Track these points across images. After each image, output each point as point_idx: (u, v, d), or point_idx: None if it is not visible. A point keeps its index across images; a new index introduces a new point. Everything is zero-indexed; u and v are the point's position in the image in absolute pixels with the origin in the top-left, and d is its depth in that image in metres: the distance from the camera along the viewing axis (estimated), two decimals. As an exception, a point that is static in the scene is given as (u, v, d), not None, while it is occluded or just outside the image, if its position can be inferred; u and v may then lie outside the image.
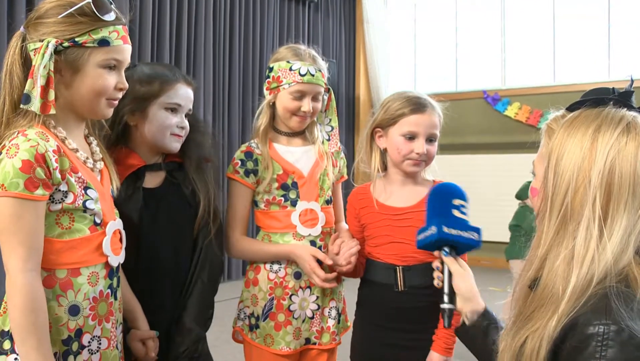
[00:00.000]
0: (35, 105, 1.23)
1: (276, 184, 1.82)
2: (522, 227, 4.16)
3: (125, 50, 1.35)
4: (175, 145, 1.65)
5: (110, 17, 1.31)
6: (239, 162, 1.83)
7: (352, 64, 6.96)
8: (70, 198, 1.27)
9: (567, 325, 0.92)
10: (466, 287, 1.36)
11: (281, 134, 1.89)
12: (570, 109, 1.08)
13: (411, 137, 1.71)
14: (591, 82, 5.65)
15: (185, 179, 1.69)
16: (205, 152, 1.74)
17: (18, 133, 1.24)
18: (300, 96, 1.80)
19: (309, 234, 1.81)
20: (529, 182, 4.20)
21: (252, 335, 1.82)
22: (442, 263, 1.42)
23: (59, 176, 1.24)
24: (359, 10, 6.96)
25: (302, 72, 1.78)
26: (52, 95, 1.24)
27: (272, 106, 1.86)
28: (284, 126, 1.88)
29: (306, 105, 1.79)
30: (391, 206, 1.75)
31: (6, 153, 1.22)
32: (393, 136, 1.72)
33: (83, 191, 1.30)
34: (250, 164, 1.83)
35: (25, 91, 1.24)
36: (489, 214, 4.91)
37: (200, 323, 1.64)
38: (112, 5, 1.34)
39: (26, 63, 1.28)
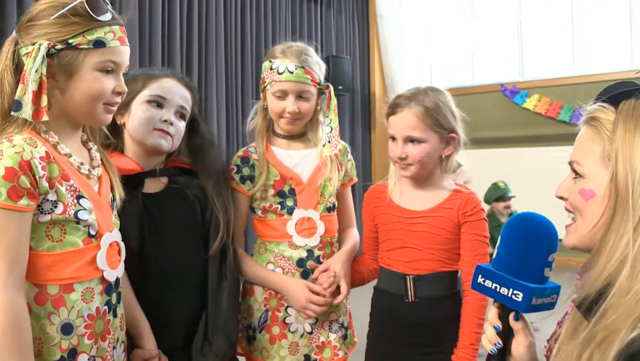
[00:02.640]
0: (26, 112, 1.16)
1: (272, 191, 1.73)
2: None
3: (122, 52, 1.28)
4: (161, 142, 1.55)
5: (105, 17, 1.24)
6: (235, 168, 1.75)
7: (366, 60, 6.85)
8: (60, 208, 1.20)
9: None
10: (528, 359, 1.09)
11: (280, 137, 1.80)
12: (612, 100, 0.98)
13: (394, 139, 1.62)
14: (613, 72, 5.49)
15: (189, 183, 1.60)
16: (222, 168, 1.67)
17: (4, 139, 1.17)
18: (282, 95, 1.70)
19: (306, 244, 1.72)
20: (495, 184, 4.04)
21: (250, 347, 1.75)
22: (500, 315, 1.11)
23: (46, 184, 1.17)
24: (371, 5, 6.85)
25: (280, 70, 1.69)
26: (44, 101, 1.17)
27: (267, 108, 1.78)
28: (281, 128, 1.78)
29: (290, 105, 1.69)
30: (404, 208, 1.65)
31: None
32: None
33: (75, 201, 1.22)
34: (246, 170, 1.74)
35: (16, 97, 1.17)
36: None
37: (233, 330, 1.57)
38: (108, 6, 1.27)
39: (18, 69, 1.22)
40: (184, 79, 1.63)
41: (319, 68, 1.75)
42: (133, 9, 4.19)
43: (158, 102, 1.55)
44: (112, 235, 1.30)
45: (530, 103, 6.12)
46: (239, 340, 1.75)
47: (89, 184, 1.28)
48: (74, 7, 1.21)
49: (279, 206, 1.73)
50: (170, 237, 1.54)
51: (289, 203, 1.73)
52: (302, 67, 1.69)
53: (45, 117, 1.17)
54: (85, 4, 1.22)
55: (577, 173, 1.03)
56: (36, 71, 1.16)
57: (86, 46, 1.21)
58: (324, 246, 1.75)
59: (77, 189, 1.23)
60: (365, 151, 6.63)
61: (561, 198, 1.08)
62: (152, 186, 1.58)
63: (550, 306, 1.08)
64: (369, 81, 6.84)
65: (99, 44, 1.23)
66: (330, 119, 1.78)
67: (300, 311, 1.66)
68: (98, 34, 1.22)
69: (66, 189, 1.21)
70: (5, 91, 1.22)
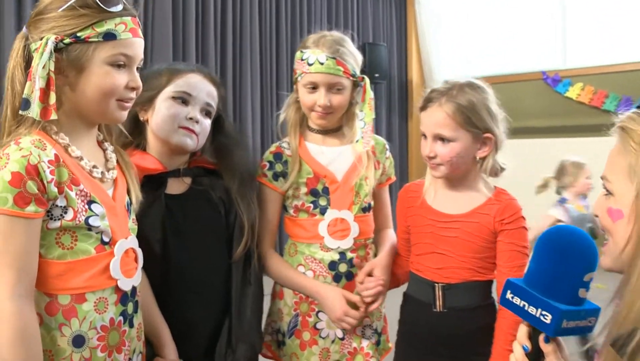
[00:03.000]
0: (34, 110, 1.10)
1: (305, 189, 1.65)
2: None
3: (135, 45, 1.21)
4: (186, 140, 1.48)
5: (116, 8, 1.17)
6: (267, 165, 1.68)
7: (404, 47, 6.72)
8: (70, 214, 1.14)
9: None
10: None
11: (314, 132, 1.71)
12: None
13: (425, 136, 1.53)
14: (662, 59, 5.27)
15: (213, 184, 1.54)
16: (247, 169, 1.60)
17: (12, 142, 1.12)
18: (313, 88, 1.62)
19: (338, 247, 1.64)
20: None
21: (280, 352, 1.69)
22: (530, 334, 1.02)
23: (54, 189, 1.11)
24: (409, -9, 6.74)
25: (310, 62, 1.61)
26: (52, 98, 1.11)
27: (299, 101, 1.70)
28: (313, 122, 1.70)
29: (321, 98, 1.61)
30: (437, 210, 1.54)
31: None
32: None
33: (86, 206, 1.16)
34: (279, 167, 1.67)
35: (24, 95, 1.11)
36: (552, 200, 4.63)
37: (257, 338, 1.52)
38: None
39: (29, 66, 1.15)
40: (210, 75, 1.57)
41: (354, 59, 1.66)
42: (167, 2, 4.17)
43: (183, 99, 1.49)
44: (128, 241, 1.24)
45: (573, 92, 5.92)
46: (268, 344, 1.70)
47: (102, 189, 1.22)
48: None
49: (312, 205, 1.66)
50: (194, 240, 1.48)
51: (322, 202, 1.65)
52: (334, 58, 1.61)
53: (53, 116, 1.11)
54: None
55: (607, 190, 0.94)
56: (43, 67, 1.10)
57: (96, 39, 1.15)
58: (358, 249, 1.67)
59: (88, 194, 1.17)
60: (402, 141, 6.53)
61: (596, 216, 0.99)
62: (176, 186, 1.52)
63: (587, 329, 0.98)
64: (407, 68, 6.73)
65: (109, 36, 1.16)
66: (365, 113, 1.68)
67: (335, 322, 1.60)
68: (108, 25, 1.16)
69: (76, 194, 1.15)
70: (16, 90, 1.16)
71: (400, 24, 6.67)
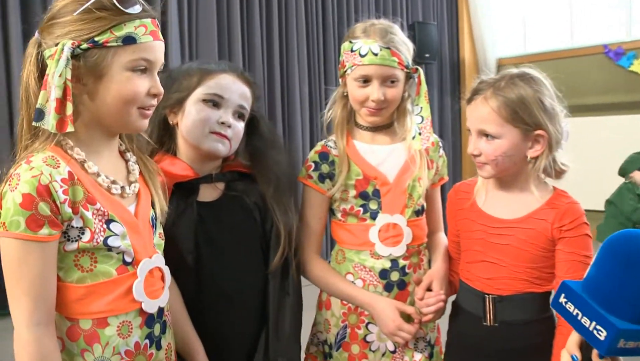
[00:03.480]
0: (49, 122, 1.02)
1: (354, 192, 1.53)
2: (619, 209, 3.69)
3: (156, 48, 1.13)
4: (217, 146, 1.39)
5: (134, 9, 1.09)
6: (313, 165, 1.57)
7: (455, 25, 6.47)
8: (87, 235, 1.07)
9: None
10: None
11: (363, 129, 1.59)
12: None
13: (471, 133, 1.40)
14: None
15: (248, 189, 1.46)
16: (284, 172, 1.49)
17: (23, 161, 1.05)
18: (365, 81, 1.49)
19: (390, 254, 1.52)
20: (638, 153, 3.67)
21: None
22: (581, 344, 0.94)
23: (69, 210, 1.04)
24: (460, -35, 6.50)
25: (363, 52, 1.48)
26: (69, 109, 1.03)
27: (347, 96, 1.57)
28: (363, 119, 1.58)
29: (374, 92, 1.48)
30: (487, 214, 1.41)
31: (8, 185, 1.03)
32: None
33: (104, 226, 1.09)
34: (325, 167, 1.56)
35: (37, 106, 1.03)
36: (615, 180, 4.39)
37: (296, 353, 1.43)
38: None
39: (42, 74, 1.08)
40: (243, 74, 1.47)
41: (407, 48, 1.53)
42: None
43: (214, 102, 1.39)
44: (152, 261, 1.16)
45: (638, 66, 5.60)
46: (314, 356, 1.62)
47: (122, 206, 1.14)
48: (98, 0, 1.07)
49: (361, 209, 1.54)
50: (228, 250, 1.40)
51: (373, 206, 1.54)
52: (388, 48, 1.48)
53: (70, 128, 1.03)
54: None
55: None
56: (60, 75, 1.02)
57: (115, 43, 1.07)
58: (410, 256, 1.55)
59: (106, 213, 1.10)
60: (455, 124, 6.32)
61: None
62: (208, 193, 1.44)
63: None
64: (458, 47, 6.51)
65: (129, 40, 1.08)
66: (421, 108, 1.55)
67: (388, 336, 1.49)
68: (127, 29, 1.08)
69: (93, 214, 1.08)
70: (30, 101, 1.09)
71: (450, 0, 6.44)
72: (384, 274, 1.53)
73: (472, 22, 6.40)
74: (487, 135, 1.35)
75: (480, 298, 1.39)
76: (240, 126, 1.44)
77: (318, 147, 1.60)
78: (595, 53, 5.83)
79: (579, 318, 0.89)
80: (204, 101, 1.39)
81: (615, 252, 0.88)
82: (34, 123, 1.04)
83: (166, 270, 1.21)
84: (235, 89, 1.42)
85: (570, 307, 0.91)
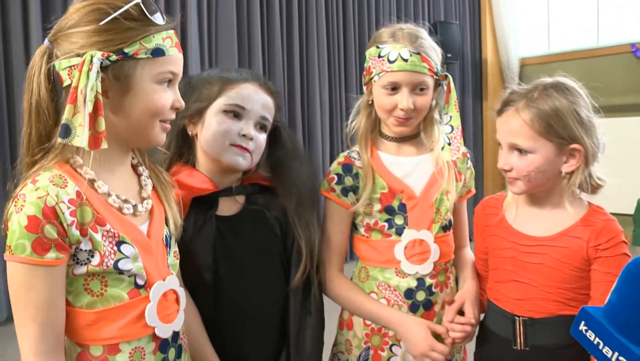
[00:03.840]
0: (82, 139, 0.97)
1: (379, 206, 1.46)
2: None
3: (180, 61, 1.10)
4: (238, 160, 1.34)
5: (159, 20, 1.05)
6: (335, 178, 1.49)
7: (477, 23, 6.38)
8: (96, 259, 1.02)
9: None
10: None
11: (388, 140, 1.51)
12: None
13: (501, 146, 1.33)
14: None
15: (269, 203, 1.40)
16: (306, 185, 1.43)
17: (28, 181, 1.00)
18: (393, 89, 1.42)
19: (416, 272, 1.44)
20: None
21: None
22: None
23: (76, 232, 0.99)
24: (482, -37, 6.41)
25: (392, 58, 1.40)
26: (102, 124, 0.98)
27: (372, 105, 1.50)
28: (389, 129, 1.50)
29: (403, 100, 1.40)
30: (518, 231, 1.34)
31: (14, 205, 0.98)
32: None
33: (114, 248, 1.04)
34: (349, 180, 1.48)
35: (64, 121, 0.97)
36: (641, 184, 4.28)
37: None
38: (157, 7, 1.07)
39: (54, 86, 1.03)
40: (266, 83, 1.41)
41: (436, 54, 1.46)
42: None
43: (236, 113, 1.34)
44: (166, 283, 1.11)
45: (666, 65, 5.48)
46: None
47: (134, 226, 1.09)
48: (126, 10, 1.02)
49: (386, 224, 1.46)
50: (247, 266, 1.35)
51: (398, 221, 1.46)
52: (418, 54, 1.41)
53: (104, 145, 0.98)
54: (142, 4, 1.03)
55: None
56: (91, 89, 0.97)
57: (144, 55, 1.02)
58: (438, 274, 1.47)
59: (117, 235, 1.05)
60: (476, 126, 6.23)
61: None
62: (227, 207, 1.39)
63: None
64: (481, 46, 6.41)
65: (158, 52, 1.04)
66: (451, 117, 1.48)
67: (418, 357, 1.40)
68: (156, 40, 1.04)
69: (102, 236, 1.03)
70: (42, 114, 1.04)
71: (473, 0, 6.37)
72: (409, 294, 1.46)
73: (495, 21, 6.31)
74: (519, 149, 1.29)
75: (510, 320, 1.32)
76: (262, 137, 1.39)
77: (341, 158, 1.53)
78: (622, 52, 5.70)
79: (600, 347, 0.85)
80: (225, 112, 1.34)
81: (636, 278, 0.83)
82: (59, 140, 0.99)
83: (181, 292, 1.16)
84: (257, 99, 1.36)
85: (590, 335, 0.87)
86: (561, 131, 1.26)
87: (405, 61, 1.40)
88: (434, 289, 1.46)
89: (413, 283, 1.45)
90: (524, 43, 6.18)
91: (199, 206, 1.33)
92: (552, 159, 1.28)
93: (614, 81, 5.57)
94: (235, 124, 1.34)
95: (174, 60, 1.08)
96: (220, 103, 1.35)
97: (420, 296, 1.46)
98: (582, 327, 0.89)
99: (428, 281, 1.46)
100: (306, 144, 4.63)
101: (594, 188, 1.33)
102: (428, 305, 1.47)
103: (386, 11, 5.30)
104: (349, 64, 5.03)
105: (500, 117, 1.33)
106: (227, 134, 1.33)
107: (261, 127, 1.38)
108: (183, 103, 1.12)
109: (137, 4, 1.03)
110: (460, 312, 1.43)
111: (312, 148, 4.64)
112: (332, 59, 4.90)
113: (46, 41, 1.06)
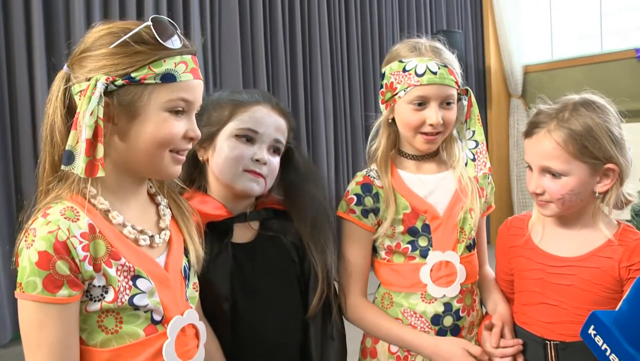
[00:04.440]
0: (79, 166, 0.92)
1: (401, 228, 1.40)
2: None
3: (196, 88, 1.04)
4: (252, 186, 1.29)
5: (175, 44, 1.00)
6: (355, 198, 1.43)
7: (480, 31, 6.37)
8: (111, 295, 0.97)
9: None
10: None
11: (408, 158, 1.46)
12: None
13: (530, 168, 1.29)
14: None
15: (284, 228, 1.36)
16: (320, 207, 1.39)
17: (39, 214, 0.96)
18: (420, 104, 1.37)
19: (444, 296, 1.39)
20: None
21: None
22: None
23: (89, 268, 0.95)
24: (484, -29, 6.40)
25: (420, 72, 1.35)
26: (101, 151, 0.93)
27: (393, 123, 1.44)
28: (410, 146, 1.45)
29: (433, 115, 1.35)
30: (546, 252, 1.30)
31: (25, 240, 0.94)
32: None
33: (130, 283, 0.99)
34: (369, 201, 1.42)
35: (67, 147, 0.94)
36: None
37: None
38: (177, 30, 1.02)
39: (70, 111, 1.00)
40: (278, 105, 1.37)
41: (458, 68, 1.42)
42: (234, 15, 4.06)
43: (248, 137, 1.30)
44: (184, 318, 1.06)
45: (672, 70, 5.45)
46: None
47: (150, 259, 1.04)
48: (137, 33, 0.98)
49: (409, 246, 1.41)
50: (265, 295, 1.31)
51: (422, 242, 1.41)
52: (445, 66, 1.36)
53: (101, 173, 0.94)
54: (153, 28, 0.98)
55: None
56: (91, 114, 0.92)
57: (153, 81, 0.98)
58: (464, 297, 1.41)
59: (132, 268, 1.00)
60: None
61: None
62: (242, 233, 1.34)
63: None
64: (484, 55, 6.40)
65: (169, 77, 0.99)
66: (474, 131, 1.43)
67: None
68: (167, 65, 0.98)
69: (117, 270, 0.98)
70: (55, 140, 1.00)
71: (475, 8, 6.35)
72: (436, 319, 1.41)
73: (498, 29, 6.30)
74: (552, 172, 1.25)
75: (541, 344, 1.28)
76: (276, 161, 1.35)
77: (359, 178, 1.47)
78: (626, 58, 5.69)
79: (607, 353, 0.86)
80: (237, 136, 1.30)
81: None
82: (63, 167, 0.95)
83: (201, 326, 1.12)
84: (270, 122, 1.32)
85: (599, 340, 0.88)
86: (596, 152, 1.23)
87: (434, 73, 1.35)
88: (461, 314, 1.41)
89: (440, 308, 1.40)
90: (527, 50, 6.16)
91: (214, 234, 1.29)
92: (586, 180, 1.24)
93: (618, 87, 5.54)
94: (248, 148, 1.30)
95: (188, 87, 1.02)
96: (231, 127, 1.31)
97: (448, 321, 1.41)
98: (591, 331, 0.90)
99: (455, 305, 1.41)
100: (310, 155, 4.59)
101: (623, 205, 1.30)
102: (455, 330, 1.42)
103: (389, 21, 5.29)
104: (352, 74, 5.01)
105: (530, 139, 1.29)
106: (240, 160, 1.29)
107: (274, 150, 1.35)
108: (199, 133, 1.07)
109: (150, 27, 0.99)
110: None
111: (316, 159, 4.61)
112: (336, 70, 4.88)
113: (65, 67, 1.04)
